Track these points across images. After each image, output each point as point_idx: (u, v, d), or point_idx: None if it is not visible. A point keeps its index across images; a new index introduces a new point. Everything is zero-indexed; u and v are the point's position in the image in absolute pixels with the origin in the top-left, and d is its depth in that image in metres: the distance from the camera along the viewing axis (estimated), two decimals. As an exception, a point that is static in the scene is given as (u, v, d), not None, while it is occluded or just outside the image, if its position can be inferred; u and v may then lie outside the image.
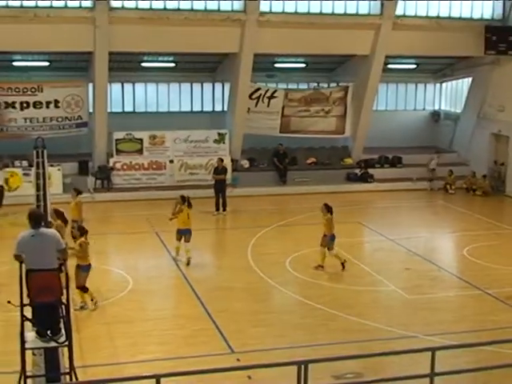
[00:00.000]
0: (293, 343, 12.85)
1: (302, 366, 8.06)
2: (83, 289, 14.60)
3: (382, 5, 27.77)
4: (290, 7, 27.38)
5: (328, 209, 17.67)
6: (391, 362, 11.36)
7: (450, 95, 34.24)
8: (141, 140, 28.38)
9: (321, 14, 27.65)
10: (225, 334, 13.33)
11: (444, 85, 34.32)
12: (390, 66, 30.77)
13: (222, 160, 25.40)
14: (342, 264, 17.54)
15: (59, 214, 16.95)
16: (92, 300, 14.71)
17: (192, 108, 31.77)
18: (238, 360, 12.01)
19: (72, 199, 19.35)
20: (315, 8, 27.61)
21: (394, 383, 9.05)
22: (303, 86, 32.16)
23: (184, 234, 18.08)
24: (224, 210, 24.20)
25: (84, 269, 14.66)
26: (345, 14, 27.91)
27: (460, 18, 28.92)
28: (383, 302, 15.96)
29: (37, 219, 9.83)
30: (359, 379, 10.59)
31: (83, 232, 15.04)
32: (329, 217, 17.59)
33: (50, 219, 16.29)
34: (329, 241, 17.53)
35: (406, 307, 15.30)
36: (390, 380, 8.66)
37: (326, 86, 31.83)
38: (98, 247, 17.49)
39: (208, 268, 18.73)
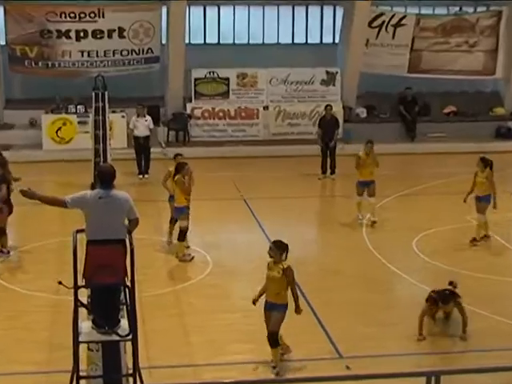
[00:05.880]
0: (419, 349, 12.78)
1: (433, 378, 7.99)
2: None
3: None
4: None
5: (486, 163, 17.69)
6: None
7: None
8: (227, 80, 28.65)
9: None
10: (330, 333, 13.35)
11: None
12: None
13: (331, 107, 25.26)
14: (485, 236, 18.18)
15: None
16: None
17: (293, 39, 31.70)
18: (348, 368, 12.02)
19: None
20: None
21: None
22: (441, 10, 31.54)
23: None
24: (332, 172, 24.14)
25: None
26: None
27: None
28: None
29: (106, 177, 9.85)
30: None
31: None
32: (489, 172, 17.65)
33: None
34: (486, 204, 17.86)
35: None
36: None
37: (471, 10, 31.14)
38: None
39: (310, 246, 18.77)
